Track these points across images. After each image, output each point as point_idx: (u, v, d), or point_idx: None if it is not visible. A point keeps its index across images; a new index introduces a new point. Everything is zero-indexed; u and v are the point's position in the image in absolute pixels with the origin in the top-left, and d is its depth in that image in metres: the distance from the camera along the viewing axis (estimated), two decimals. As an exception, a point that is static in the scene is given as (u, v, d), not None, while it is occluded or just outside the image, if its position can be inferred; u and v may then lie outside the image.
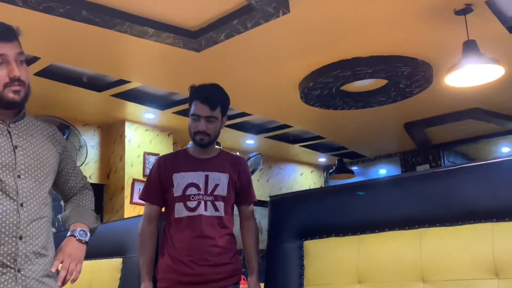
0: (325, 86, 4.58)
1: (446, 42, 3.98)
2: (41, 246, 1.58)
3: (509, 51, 4.16)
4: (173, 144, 6.36)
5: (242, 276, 2.39)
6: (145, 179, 5.09)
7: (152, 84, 4.89)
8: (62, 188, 1.84)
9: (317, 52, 4.12)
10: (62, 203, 1.96)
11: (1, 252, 1.49)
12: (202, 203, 2.24)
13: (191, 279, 2.18)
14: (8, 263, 1.50)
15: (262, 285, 2.29)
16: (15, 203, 1.53)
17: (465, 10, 3.46)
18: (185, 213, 2.23)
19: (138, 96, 5.24)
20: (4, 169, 1.54)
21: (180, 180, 2.27)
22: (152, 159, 5.89)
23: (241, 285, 2.34)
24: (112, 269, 2.65)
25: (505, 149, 7.69)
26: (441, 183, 1.81)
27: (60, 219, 4.99)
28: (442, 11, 3.52)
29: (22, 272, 1.52)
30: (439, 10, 3.51)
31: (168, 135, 6.26)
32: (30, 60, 4.15)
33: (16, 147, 1.59)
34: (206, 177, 2.27)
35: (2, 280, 1.48)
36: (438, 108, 5.81)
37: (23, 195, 1.55)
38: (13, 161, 1.56)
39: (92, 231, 1.74)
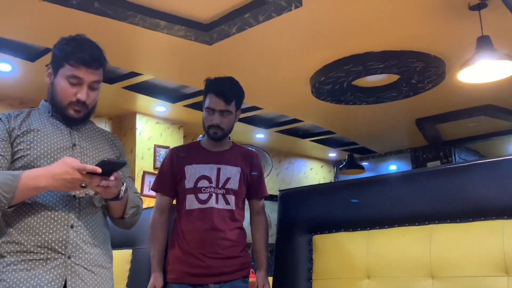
0: (337, 80, 4.56)
1: (460, 38, 3.95)
2: (92, 236, 1.65)
3: (524, 47, 4.11)
4: (184, 137, 6.38)
5: (251, 270, 2.40)
6: (155, 172, 5.13)
7: (163, 76, 4.90)
8: None
9: (329, 46, 4.10)
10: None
11: (53, 239, 1.57)
12: (214, 196, 2.24)
13: (201, 271, 2.19)
14: (60, 250, 1.57)
15: (270, 278, 2.30)
16: (68, 194, 1.62)
17: (480, 6, 3.42)
18: (196, 205, 2.24)
19: (149, 89, 5.26)
20: None
21: (192, 172, 2.27)
22: (162, 152, 5.92)
23: (250, 279, 2.35)
24: (122, 260, 2.66)
25: (517, 147, 7.61)
26: (452, 179, 1.80)
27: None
28: (456, 6, 3.48)
29: (72, 259, 1.58)
30: (453, 5, 3.47)
31: (179, 128, 6.27)
32: (42, 52, 4.18)
33: (74, 145, 1.69)
34: (218, 170, 2.27)
35: (53, 265, 1.55)
36: (450, 104, 5.77)
37: None
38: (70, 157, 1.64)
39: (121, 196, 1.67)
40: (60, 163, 1.53)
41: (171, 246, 2.30)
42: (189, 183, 2.26)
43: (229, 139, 2.43)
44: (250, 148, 2.75)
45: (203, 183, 2.25)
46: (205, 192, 2.24)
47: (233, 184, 2.28)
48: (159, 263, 2.28)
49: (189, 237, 2.23)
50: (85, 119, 1.75)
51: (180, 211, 2.29)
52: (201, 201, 2.24)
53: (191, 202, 2.25)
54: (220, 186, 2.26)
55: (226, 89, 2.27)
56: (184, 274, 2.21)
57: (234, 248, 2.25)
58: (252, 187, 2.37)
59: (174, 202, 2.38)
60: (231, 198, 2.27)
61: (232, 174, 2.28)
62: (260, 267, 2.34)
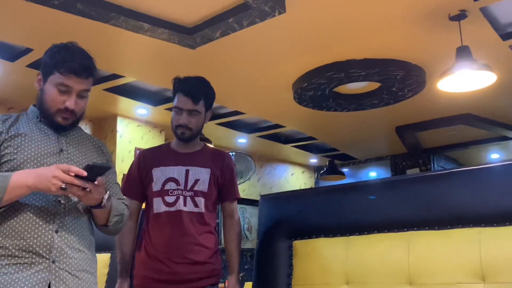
0: (319, 87, 4.60)
1: (440, 47, 4.01)
2: (77, 241, 1.65)
3: (502, 58, 4.20)
4: (165, 140, 6.34)
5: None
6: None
7: (145, 79, 4.87)
8: None
9: (312, 53, 4.13)
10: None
11: (38, 243, 1.57)
12: (181, 198, 2.17)
13: (166, 277, 2.12)
14: (44, 254, 1.57)
15: (249, 284, 2.27)
16: (54, 199, 1.62)
17: (460, 16, 3.48)
18: (163, 208, 2.17)
19: (131, 91, 5.23)
20: None
21: (160, 174, 2.21)
22: (143, 155, 5.87)
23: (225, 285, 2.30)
24: (100, 264, 2.62)
25: (494, 155, 7.74)
26: (430, 187, 1.82)
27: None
28: (436, 16, 3.54)
29: (56, 264, 1.58)
30: (434, 15, 3.53)
31: (160, 131, 6.24)
32: (23, 52, 4.12)
33: (61, 150, 1.69)
34: (187, 172, 2.21)
35: (37, 269, 1.55)
36: (429, 113, 5.84)
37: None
38: (57, 163, 1.65)
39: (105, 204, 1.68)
40: (50, 166, 1.55)
41: (137, 249, 2.24)
42: (156, 186, 2.20)
43: (211, 143, 2.41)
44: (233, 153, 2.74)
45: (170, 186, 2.19)
46: (172, 195, 2.17)
47: (202, 186, 2.20)
48: (125, 269, 2.22)
49: (156, 240, 2.16)
50: (73, 126, 1.75)
51: (148, 215, 2.23)
52: (168, 204, 2.17)
53: (158, 205, 2.19)
54: (188, 188, 2.19)
55: (194, 88, 2.21)
56: (149, 280, 2.14)
57: (203, 253, 2.17)
58: (223, 189, 2.29)
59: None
60: (200, 201, 2.19)
61: (201, 175, 2.21)
62: (232, 271, 2.26)
